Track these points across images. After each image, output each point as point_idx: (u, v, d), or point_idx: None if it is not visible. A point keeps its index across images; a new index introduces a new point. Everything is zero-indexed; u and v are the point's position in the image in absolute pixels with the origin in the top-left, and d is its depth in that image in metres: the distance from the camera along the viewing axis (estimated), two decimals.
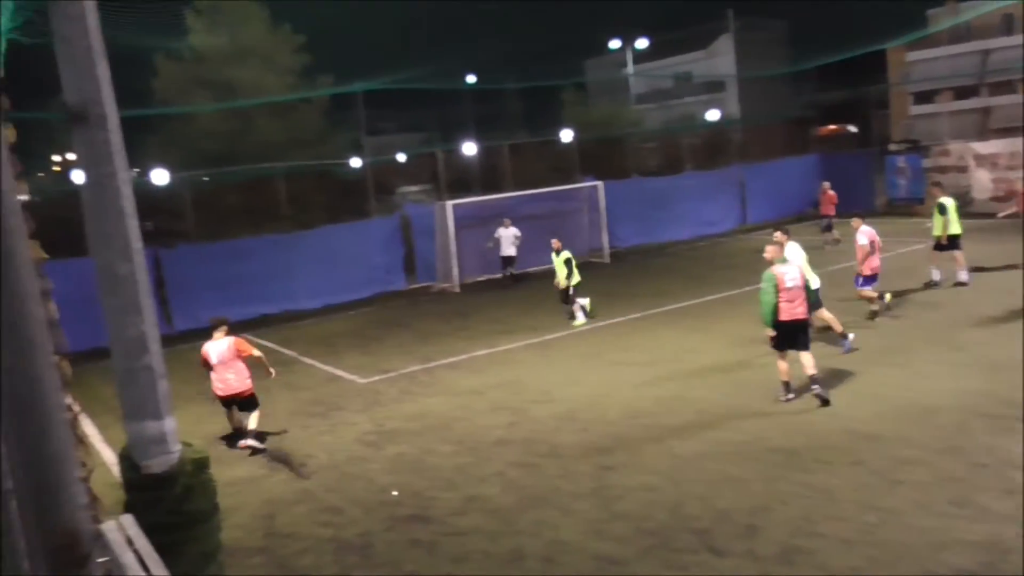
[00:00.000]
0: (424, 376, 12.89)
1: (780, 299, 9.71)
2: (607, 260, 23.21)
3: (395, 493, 8.23)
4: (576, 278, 15.59)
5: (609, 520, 7.09)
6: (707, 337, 13.47)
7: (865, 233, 13.31)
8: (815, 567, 5.96)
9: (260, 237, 20.44)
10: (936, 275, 15.46)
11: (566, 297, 15.81)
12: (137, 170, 26.82)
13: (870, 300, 13.52)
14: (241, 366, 10.05)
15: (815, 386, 9.74)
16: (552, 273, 16.73)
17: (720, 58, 63.90)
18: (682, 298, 16.91)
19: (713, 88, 63.12)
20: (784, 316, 9.75)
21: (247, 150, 24.51)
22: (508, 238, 20.97)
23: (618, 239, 24.87)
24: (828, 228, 21.71)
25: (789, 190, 26.60)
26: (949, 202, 15.40)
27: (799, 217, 26.47)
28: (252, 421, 10.09)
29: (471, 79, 37.07)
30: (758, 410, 9.59)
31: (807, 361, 9.79)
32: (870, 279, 13.46)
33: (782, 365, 9.93)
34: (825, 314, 11.93)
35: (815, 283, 11.25)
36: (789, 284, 9.73)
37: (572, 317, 15.59)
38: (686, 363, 12.01)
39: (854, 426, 8.75)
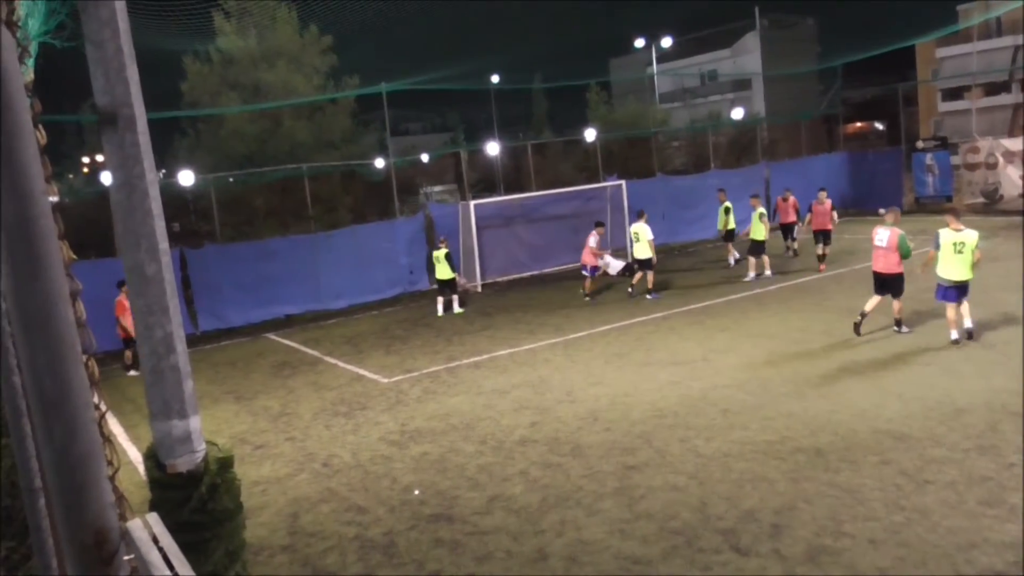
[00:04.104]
0: (448, 376, 12.93)
1: (873, 254, 12.41)
2: (630, 259, 23.09)
3: (417, 492, 8.26)
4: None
5: (633, 520, 7.06)
6: (733, 336, 13.38)
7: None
8: (842, 567, 5.90)
9: (286, 237, 20.58)
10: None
11: (450, 289, 18.36)
12: (164, 171, 27.05)
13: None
14: None
15: (896, 327, 12.43)
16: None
17: (746, 56, 63.43)
18: (707, 297, 16.82)
19: (739, 86, 62.72)
20: (874, 267, 12.39)
21: (275, 151, 24.65)
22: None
23: None
24: (792, 236, 21.46)
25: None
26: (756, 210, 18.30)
27: None
28: None
29: (495, 79, 37.09)
30: (784, 409, 9.51)
31: (895, 305, 12.36)
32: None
33: (896, 304, 12.43)
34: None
35: None
36: (876, 243, 12.25)
37: (448, 307, 18.35)
38: (711, 362, 11.93)
39: (882, 425, 8.65)
